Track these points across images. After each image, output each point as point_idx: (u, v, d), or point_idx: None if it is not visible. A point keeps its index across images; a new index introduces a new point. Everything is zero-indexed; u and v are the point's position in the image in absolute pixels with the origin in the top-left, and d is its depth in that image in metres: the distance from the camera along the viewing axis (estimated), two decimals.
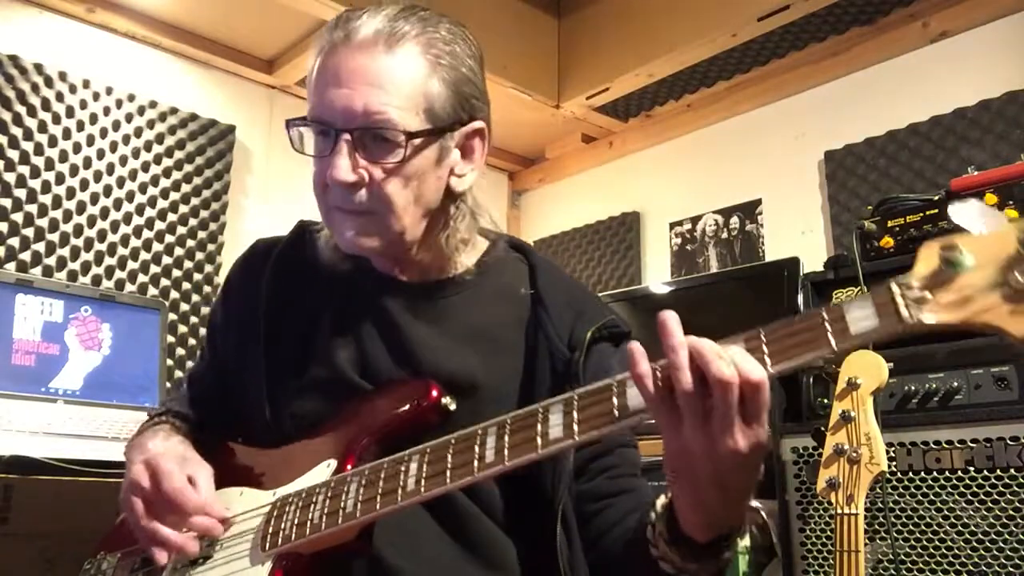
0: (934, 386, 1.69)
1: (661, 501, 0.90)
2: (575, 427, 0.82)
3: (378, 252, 1.11)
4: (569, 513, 1.04)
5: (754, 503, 1.99)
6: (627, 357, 0.78)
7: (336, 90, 1.02)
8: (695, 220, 3.19)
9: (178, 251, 2.77)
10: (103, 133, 2.67)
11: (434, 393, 1.02)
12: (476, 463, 0.87)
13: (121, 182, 2.69)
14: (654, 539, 0.90)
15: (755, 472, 0.80)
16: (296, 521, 0.97)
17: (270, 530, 0.99)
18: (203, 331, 2.65)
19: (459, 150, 1.11)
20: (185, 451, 1.13)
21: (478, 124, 1.11)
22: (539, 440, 0.84)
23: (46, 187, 2.53)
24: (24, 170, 2.50)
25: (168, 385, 2.41)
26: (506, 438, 0.86)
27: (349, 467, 1.00)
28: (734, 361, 0.75)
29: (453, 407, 1.03)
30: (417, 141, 1.03)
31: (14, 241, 2.45)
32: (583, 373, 1.05)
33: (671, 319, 0.77)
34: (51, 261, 2.51)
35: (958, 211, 1.73)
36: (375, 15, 1.05)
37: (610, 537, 1.03)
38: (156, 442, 1.13)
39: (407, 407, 1.02)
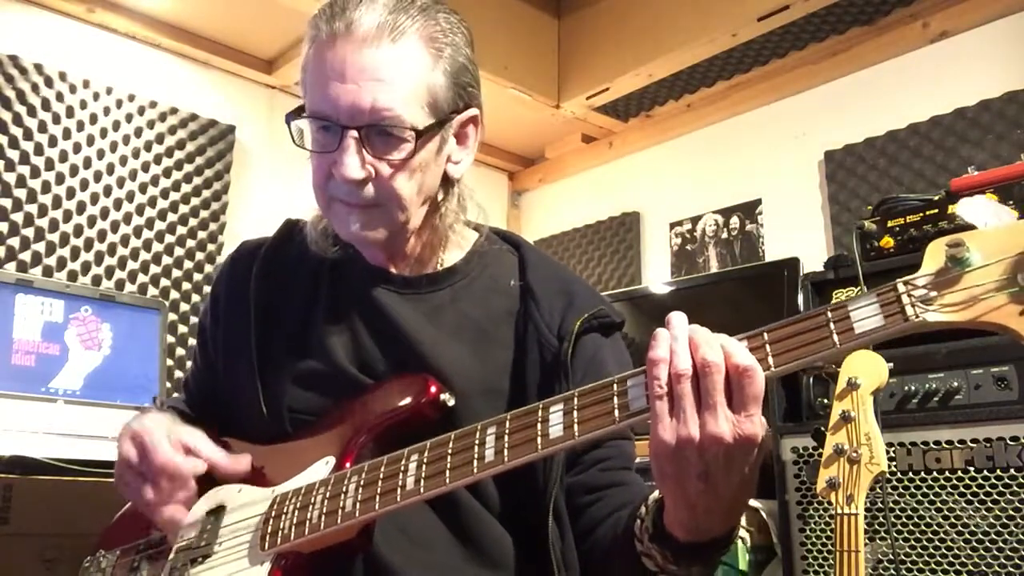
0: (934, 386, 1.69)
1: (654, 496, 0.89)
2: (575, 427, 0.82)
3: (381, 244, 1.11)
4: (561, 505, 1.04)
5: (754, 503, 1.98)
6: (650, 340, 0.78)
7: (340, 85, 1.01)
8: (695, 220, 3.19)
9: (178, 251, 2.78)
10: (103, 133, 2.68)
11: (432, 389, 1.01)
12: (476, 463, 0.86)
13: (121, 182, 2.69)
14: (640, 533, 0.89)
15: (742, 472, 0.77)
16: (295, 520, 0.97)
17: (269, 529, 0.99)
18: None
19: (455, 137, 1.11)
20: (171, 422, 1.11)
21: (473, 112, 1.12)
22: (539, 440, 0.83)
23: (46, 187, 2.54)
24: (24, 170, 2.50)
25: (168, 385, 2.41)
26: (506, 438, 0.85)
27: (347, 464, 0.99)
28: (722, 345, 0.75)
29: (452, 403, 1.02)
30: (423, 135, 1.04)
31: (14, 241, 2.45)
32: (571, 364, 1.04)
33: (677, 315, 0.79)
34: (51, 261, 2.51)
35: (965, 207, 1.73)
36: (373, 5, 1.03)
37: (601, 530, 1.02)
38: (143, 420, 1.11)
39: (405, 403, 1.02)
